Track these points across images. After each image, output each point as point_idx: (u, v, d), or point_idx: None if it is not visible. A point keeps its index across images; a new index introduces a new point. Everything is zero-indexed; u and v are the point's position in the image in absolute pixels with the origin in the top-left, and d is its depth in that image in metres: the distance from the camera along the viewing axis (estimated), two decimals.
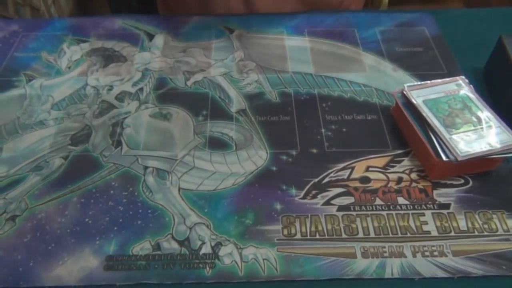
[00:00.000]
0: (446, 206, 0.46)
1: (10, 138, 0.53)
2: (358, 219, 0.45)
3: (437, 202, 0.47)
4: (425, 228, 0.45)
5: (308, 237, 0.44)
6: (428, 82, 0.53)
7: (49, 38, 0.67)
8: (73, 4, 1.41)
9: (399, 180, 0.49)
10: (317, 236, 0.44)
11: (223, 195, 0.48)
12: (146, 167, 0.50)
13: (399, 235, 0.44)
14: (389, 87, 0.59)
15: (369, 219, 0.45)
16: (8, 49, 0.65)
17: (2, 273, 0.42)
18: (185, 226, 0.45)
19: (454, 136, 0.47)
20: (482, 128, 0.47)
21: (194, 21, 0.69)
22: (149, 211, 0.46)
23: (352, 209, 0.46)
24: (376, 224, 0.45)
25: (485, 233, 0.44)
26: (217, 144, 0.52)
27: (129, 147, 0.52)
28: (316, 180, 0.49)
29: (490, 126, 0.48)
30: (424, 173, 0.49)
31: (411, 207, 0.46)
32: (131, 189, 0.48)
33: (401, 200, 0.47)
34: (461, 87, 0.52)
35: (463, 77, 0.53)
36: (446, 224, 0.45)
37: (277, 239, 0.44)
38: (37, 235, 0.44)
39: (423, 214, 0.46)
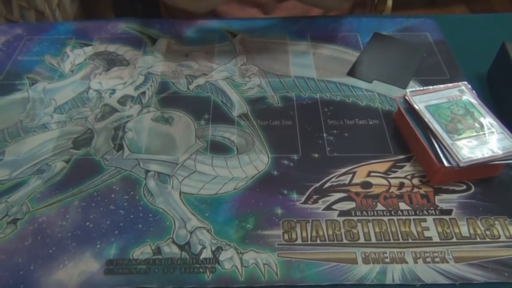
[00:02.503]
0: (448, 212, 0.46)
1: (12, 141, 0.53)
2: (359, 224, 0.45)
3: (439, 208, 0.46)
4: (426, 234, 0.44)
5: (309, 242, 0.44)
6: (431, 87, 0.53)
7: (52, 42, 0.67)
8: (78, 8, 1.42)
9: (401, 185, 0.49)
10: (318, 241, 0.44)
11: (224, 200, 0.47)
12: (147, 171, 0.50)
13: (401, 240, 0.44)
14: (392, 92, 0.58)
15: (370, 224, 0.45)
16: (12, 53, 0.65)
17: (3, 276, 0.42)
18: (186, 230, 0.45)
19: (456, 142, 0.47)
20: (484, 134, 0.47)
21: (196, 25, 0.70)
22: (150, 215, 0.46)
23: (353, 214, 0.46)
24: (377, 230, 0.45)
25: (487, 240, 0.44)
26: (219, 148, 0.52)
27: (130, 150, 0.52)
28: (317, 185, 0.49)
29: (492, 132, 0.47)
30: (426, 179, 0.49)
31: (413, 212, 0.46)
32: (132, 193, 0.48)
33: (402, 205, 0.47)
34: (464, 93, 0.52)
35: (465, 82, 0.53)
36: (448, 230, 0.45)
37: (278, 244, 0.44)
38: (38, 238, 0.45)
39: (425, 220, 0.46)
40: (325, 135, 0.53)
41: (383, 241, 0.44)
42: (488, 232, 0.45)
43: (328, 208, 0.47)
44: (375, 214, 0.46)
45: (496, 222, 0.45)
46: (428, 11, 1.84)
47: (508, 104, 0.54)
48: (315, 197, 0.47)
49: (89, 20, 0.72)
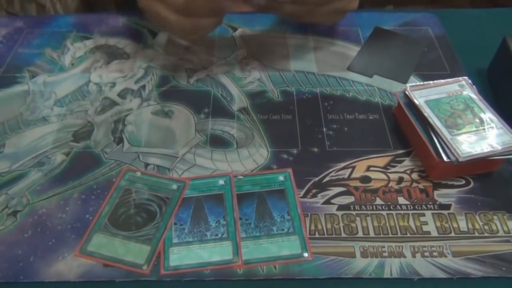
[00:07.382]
0: (447, 206, 0.46)
1: (12, 134, 0.53)
2: (358, 218, 0.45)
3: (437, 203, 0.47)
4: (425, 228, 0.45)
5: (308, 235, 0.44)
6: (431, 82, 0.53)
7: (53, 35, 0.67)
8: (79, 1, 1.41)
9: (400, 180, 0.49)
10: (317, 235, 0.44)
11: None
12: (147, 164, 0.50)
13: (399, 235, 0.44)
14: (392, 87, 0.58)
15: (369, 218, 0.45)
16: (12, 45, 0.65)
17: (2, 268, 0.42)
18: None
19: (455, 137, 0.47)
20: (484, 129, 0.47)
21: None
22: None
23: (352, 208, 0.46)
24: (376, 224, 0.45)
25: (486, 234, 0.44)
26: (218, 142, 0.52)
27: (130, 144, 0.52)
28: (316, 179, 0.49)
29: (492, 128, 0.47)
30: (425, 174, 0.49)
31: (412, 207, 0.46)
32: None
33: (401, 200, 0.47)
34: (464, 88, 0.52)
35: (466, 77, 0.53)
36: (446, 225, 0.45)
37: None
38: (38, 230, 0.45)
39: (423, 215, 0.46)
40: (325, 129, 0.54)
41: (382, 235, 0.44)
42: (486, 227, 0.45)
43: (327, 202, 0.47)
44: (374, 208, 0.46)
45: (495, 217, 0.45)
46: (430, 6, 1.83)
47: (509, 100, 0.54)
48: (314, 191, 0.48)
49: (90, 13, 0.72)
